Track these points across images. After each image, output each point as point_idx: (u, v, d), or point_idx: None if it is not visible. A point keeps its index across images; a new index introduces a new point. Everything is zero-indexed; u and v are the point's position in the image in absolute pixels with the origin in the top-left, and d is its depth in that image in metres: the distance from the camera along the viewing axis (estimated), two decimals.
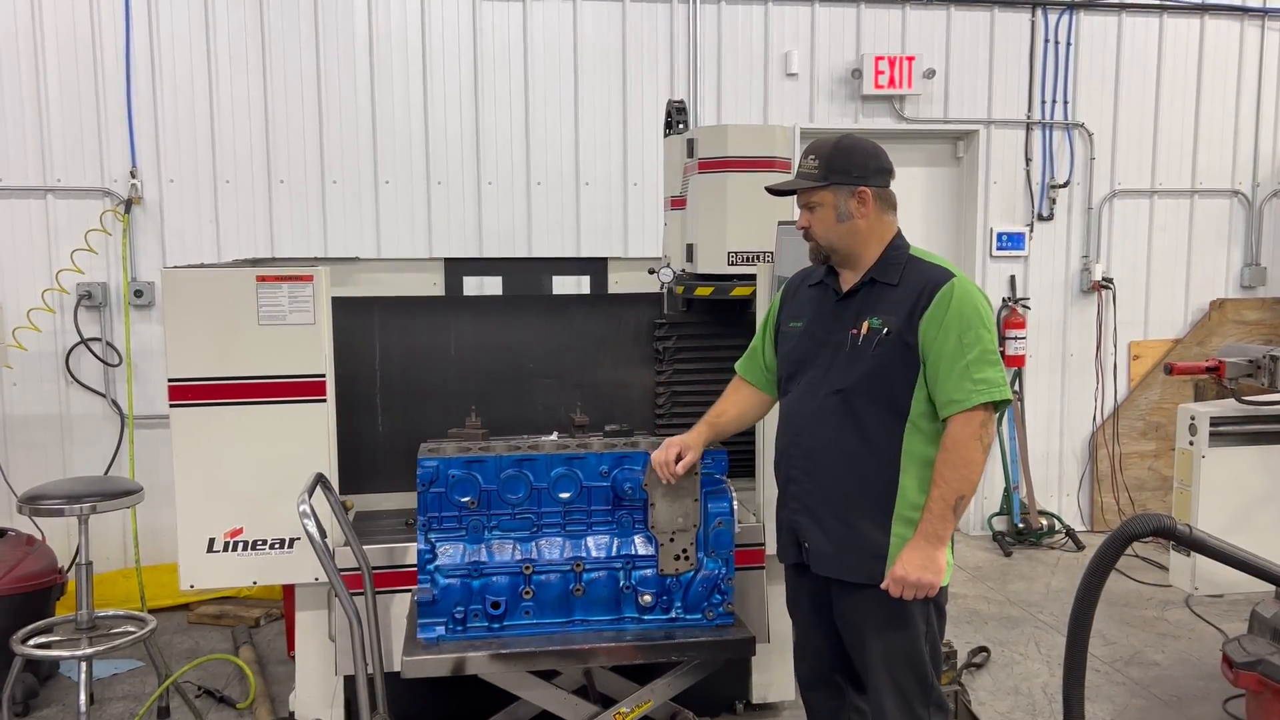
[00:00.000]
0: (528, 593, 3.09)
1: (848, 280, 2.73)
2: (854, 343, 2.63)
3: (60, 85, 5.37)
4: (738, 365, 3.10)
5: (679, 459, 2.99)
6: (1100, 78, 6.46)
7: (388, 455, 3.91)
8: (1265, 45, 6.61)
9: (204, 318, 3.36)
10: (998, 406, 2.56)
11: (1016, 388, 6.46)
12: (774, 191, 2.88)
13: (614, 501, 3.19)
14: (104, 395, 5.49)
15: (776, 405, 2.98)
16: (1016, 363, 6.35)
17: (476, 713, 3.44)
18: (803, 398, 2.74)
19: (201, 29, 5.48)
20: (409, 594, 3.39)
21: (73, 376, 5.46)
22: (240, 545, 3.43)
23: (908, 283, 2.63)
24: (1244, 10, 6.55)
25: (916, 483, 2.60)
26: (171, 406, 3.38)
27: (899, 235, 2.73)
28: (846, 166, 2.64)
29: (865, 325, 2.63)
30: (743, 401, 3.05)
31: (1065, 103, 6.42)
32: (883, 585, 2.57)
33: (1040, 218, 6.48)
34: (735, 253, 3.78)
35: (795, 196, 2.76)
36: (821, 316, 2.75)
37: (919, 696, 2.64)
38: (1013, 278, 6.46)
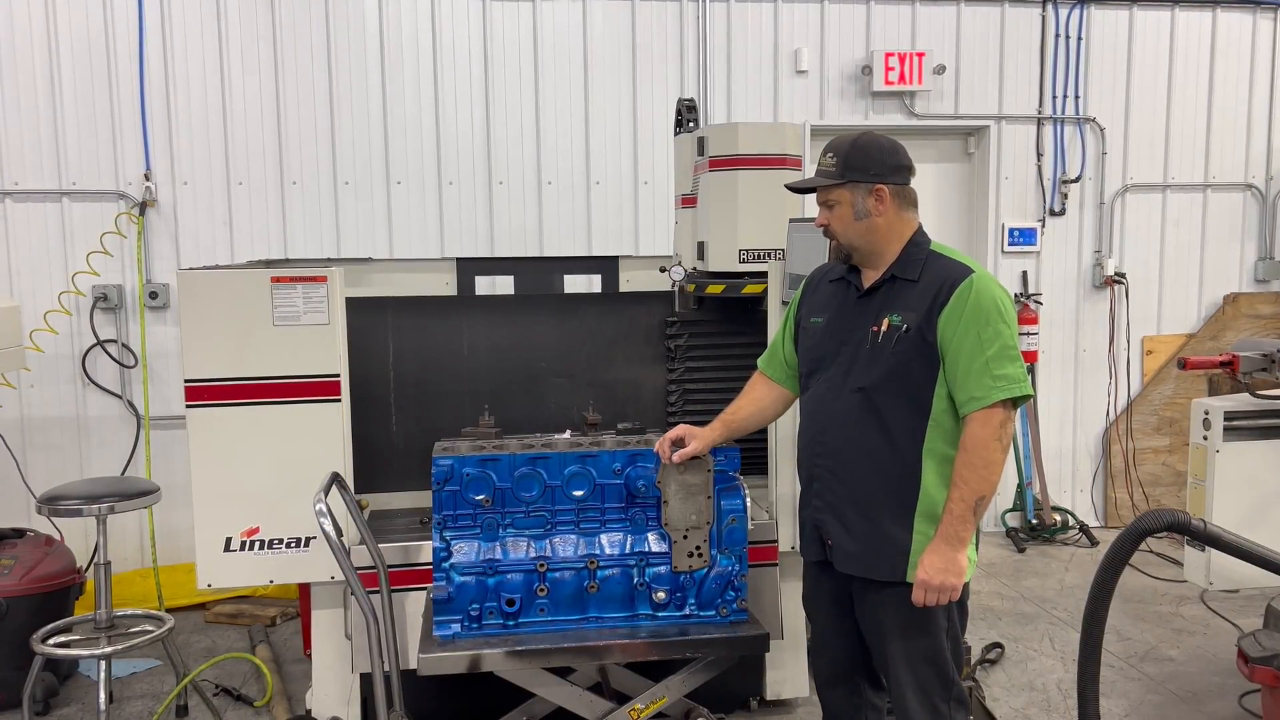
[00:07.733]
0: (542, 590, 3.11)
1: (869, 277, 2.72)
2: (874, 340, 2.63)
3: (75, 90, 5.41)
4: (760, 360, 3.10)
5: (681, 447, 3.02)
6: (1112, 72, 6.43)
7: (402, 454, 3.94)
8: (1277, 38, 6.57)
9: (219, 319, 3.39)
10: (1017, 403, 2.56)
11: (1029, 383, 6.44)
12: (793, 189, 2.89)
13: (627, 499, 3.21)
14: (120, 396, 5.53)
15: (796, 403, 2.97)
16: (1029, 358, 6.32)
17: (492, 710, 3.45)
18: (824, 395, 2.73)
19: (214, 32, 5.51)
20: (424, 592, 3.41)
21: (89, 378, 5.50)
22: (257, 544, 3.46)
23: (927, 279, 2.61)
24: (1256, 3, 6.50)
25: (939, 480, 2.60)
26: (188, 407, 3.41)
27: (919, 232, 2.71)
28: (864, 164, 2.63)
29: (885, 322, 2.62)
30: (760, 399, 3.05)
31: (1077, 97, 6.40)
32: (913, 597, 2.56)
33: (1052, 213, 6.46)
34: (746, 250, 3.78)
35: (815, 194, 2.75)
36: (842, 313, 2.75)
37: (940, 692, 2.66)
38: (1025, 273, 6.45)
